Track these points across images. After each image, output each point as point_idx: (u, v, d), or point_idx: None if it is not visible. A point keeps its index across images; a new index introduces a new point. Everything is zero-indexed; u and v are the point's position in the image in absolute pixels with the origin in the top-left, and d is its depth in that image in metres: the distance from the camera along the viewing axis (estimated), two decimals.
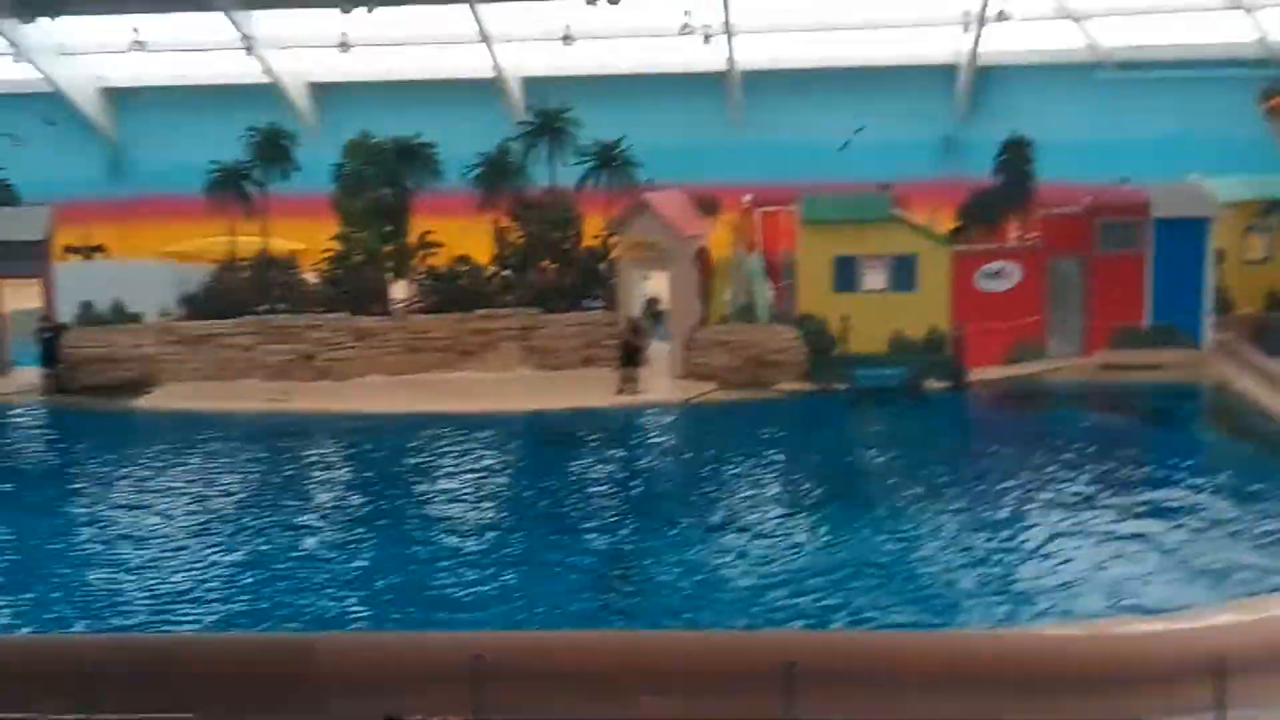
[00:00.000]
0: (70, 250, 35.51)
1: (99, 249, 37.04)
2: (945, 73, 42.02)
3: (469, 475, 22.54)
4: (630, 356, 27.13)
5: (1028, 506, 19.79)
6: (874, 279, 28.04)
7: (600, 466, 23.00)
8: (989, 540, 18.37)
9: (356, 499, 21.53)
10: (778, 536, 18.76)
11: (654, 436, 25.44)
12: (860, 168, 36.06)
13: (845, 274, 28.04)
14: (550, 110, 31.36)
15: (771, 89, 42.14)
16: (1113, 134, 38.00)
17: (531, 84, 41.97)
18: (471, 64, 43.61)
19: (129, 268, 32.85)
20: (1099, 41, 41.23)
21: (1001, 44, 41.35)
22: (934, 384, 26.99)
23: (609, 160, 30.62)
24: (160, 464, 23.34)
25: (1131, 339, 28.15)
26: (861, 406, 26.47)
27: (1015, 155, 30.85)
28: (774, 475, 22.09)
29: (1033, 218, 30.63)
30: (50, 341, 28.10)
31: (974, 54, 41.15)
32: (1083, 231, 28.38)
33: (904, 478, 21.51)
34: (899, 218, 28.33)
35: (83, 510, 20.97)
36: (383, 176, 30.02)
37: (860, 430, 25.23)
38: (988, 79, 41.76)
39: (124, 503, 21.11)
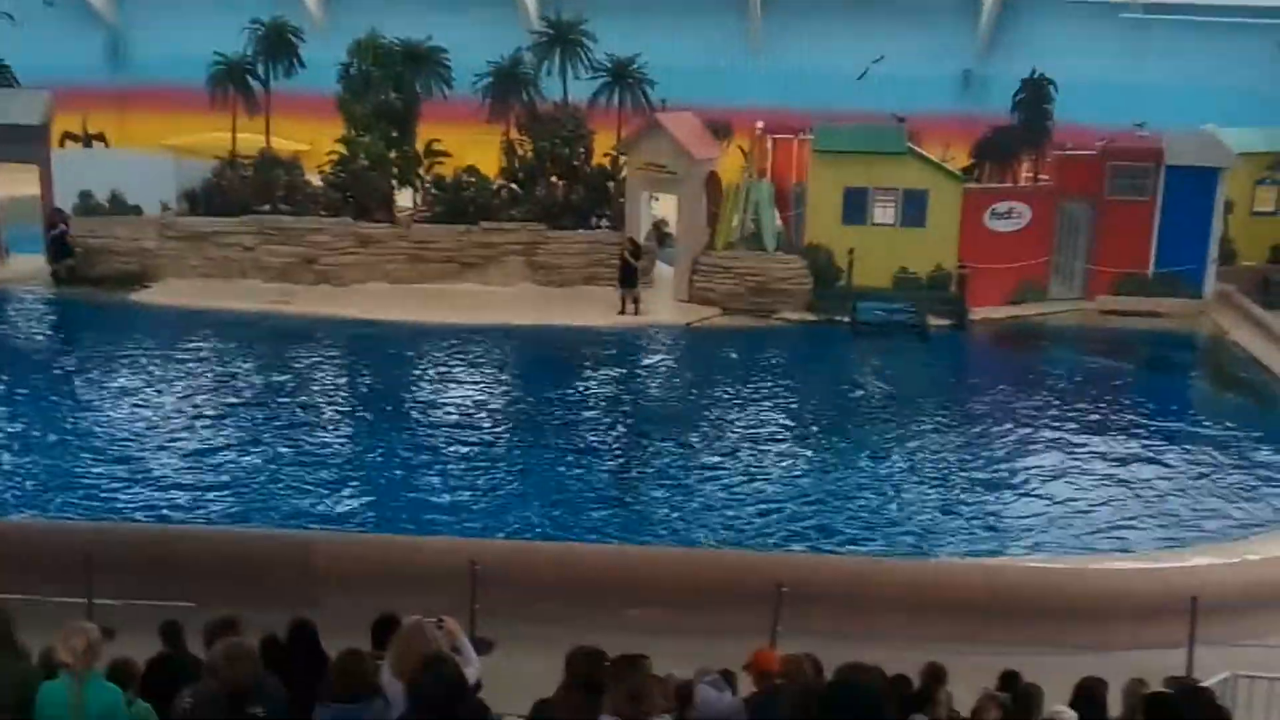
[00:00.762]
0: (69, 137, 35.02)
1: (98, 137, 36.50)
2: (968, 5, 41.39)
3: (466, 385, 22.60)
4: (628, 277, 27.00)
5: (1015, 445, 20.02)
6: (884, 213, 27.85)
7: (594, 385, 23.04)
8: (975, 475, 18.61)
9: (352, 403, 21.58)
10: (764, 462, 18.92)
11: (650, 358, 25.41)
12: (876, 99, 35.66)
13: (855, 206, 27.84)
14: (565, 22, 30.86)
15: (792, 13, 41.51)
16: (1133, 77, 37.54)
17: None
18: None
19: (129, 158, 32.30)
20: None
21: None
22: (936, 321, 26.92)
23: (623, 77, 30.20)
24: (158, 359, 23.34)
25: (1135, 285, 28.10)
26: (862, 339, 26.47)
27: (1034, 94, 30.52)
28: (768, 403, 22.12)
29: (1046, 159, 30.48)
30: (62, 236, 27.79)
31: None
32: (1094, 175, 28.21)
33: (896, 412, 21.67)
34: (913, 152, 28.08)
35: (73, 399, 21.05)
36: (390, 80, 29.57)
37: (858, 363, 25.27)
38: (1011, 13, 41.13)
39: (120, 393, 21.18)
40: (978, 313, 27.35)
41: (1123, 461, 19.21)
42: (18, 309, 27.02)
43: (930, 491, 17.92)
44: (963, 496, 17.77)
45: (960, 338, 26.93)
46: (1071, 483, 18.33)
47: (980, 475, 18.62)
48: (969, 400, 22.93)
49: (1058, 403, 22.36)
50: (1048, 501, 17.61)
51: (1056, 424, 21.05)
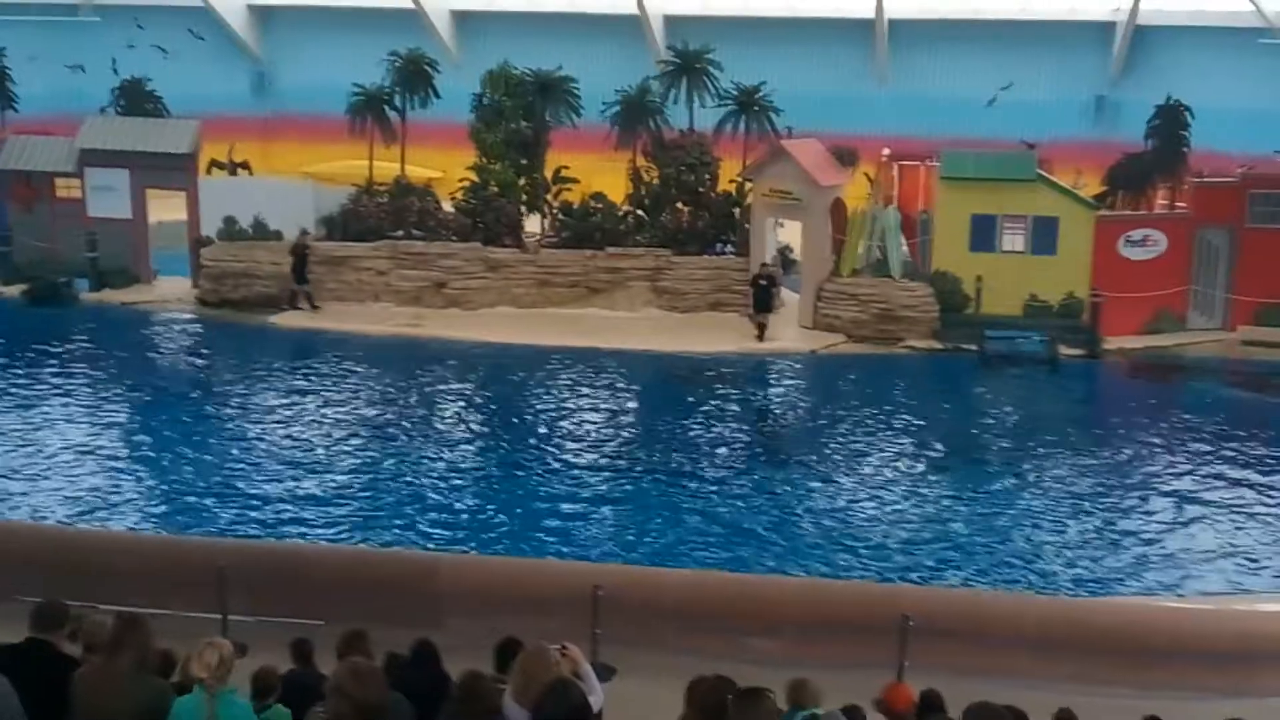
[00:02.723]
0: (215, 165, 36.35)
1: (243, 165, 37.82)
2: (1101, 29, 40.56)
3: (590, 409, 22.79)
4: (763, 301, 26.98)
5: (1155, 480, 19.46)
6: (1013, 240, 27.41)
7: (721, 410, 23.03)
8: (1111, 510, 18.13)
9: (478, 425, 21.92)
10: (891, 493, 18.72)
11: (776, 384, 25.33)
12: (1006, 125, 35.15)
13: (983, 233, 27.46)
14: (691, 51, 31.09)
15: (918, 39, 41.18)
16: (1272, 104, 36.37)
17: (673, 23, 41.59)
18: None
19: (270, 185, 33.45)
20: (1265, 6, 39.42)
21: (1162, 3, 39.79)
22: (1068, 350, 26.36)
23: (749, 105, 30.27)
24: (294, 379, 24.03)
25: (1277, 316, 27.15)
26: (990, 369, 26.05)
27: (1169, 120, 29.84)
28: (895, 431, 21.87)
29: (1183, 186, 29.72)
30: (303, 259, 28.50)
31: (1134, 12, 39.60)
32: (1234, 202, 27.44)
33: (1028, 443, 21.22)
34: (1043, 178, 27.59)
35: (213, 417, 21.75)
36: (521, 109, 30.13)
37: (987, 392, 24.88)
38: (1144, 39, 40.17)
39: (262, 413, 21.83)
40: (1111, 342, 26.71)
41: (1272, 499, 18.54)
42: (165, 329, 28.08)
43: (1064, 526, 17.51)
44: (1098, 532, 17.33)
45: (1093, 368, 26.31)
46: (1216, 520, 17.73)
47: (1117, 511, 18.13)
48: (1104, 432, 22.31)
49: (1201, 436, 21.66)
50: (1190, 538, 17.09)
51: (1199, 459, 20.41)
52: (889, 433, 21.82)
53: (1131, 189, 30.25)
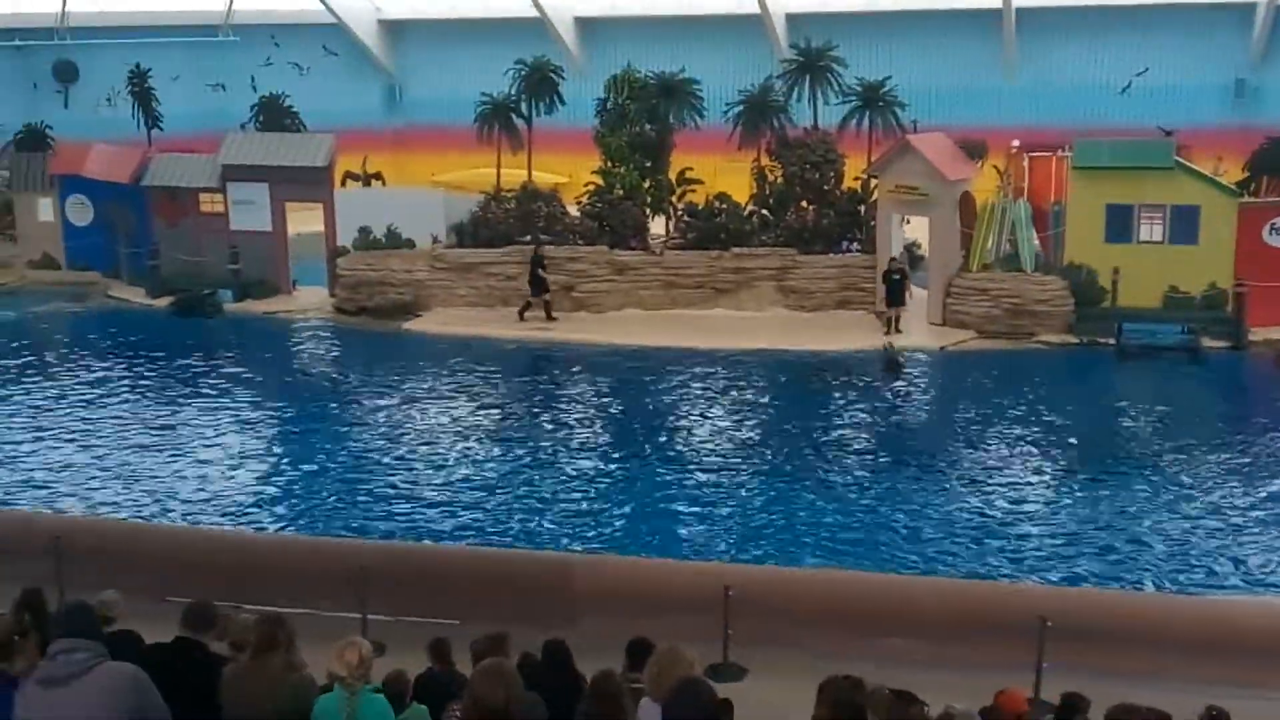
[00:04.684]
0: (350, 177, 37.23)
1: (377, 176, 38.66)
2: (1241, 11, 39.10)
3: (719, 410, 22.80)
4: (896, 295, 26.70)
5: None
6: (1150, 230, 26.64)
7: (848, 410, 22.85)
8: (1263, 509, 17.49)
9: (607, 427, 22.09)
10: (1028, 492, 18.38)
11: (904, 383, 25.01)
12: (1141, 113, 34.21)
13: (1119, 223, 26.74)
14: (814, 48, 30.90)
15: (1048, 27, 40.19)
16: None
17: (795, 20, 41.29)
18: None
19: (403, 195, 34.13)
20: None
21: None
22: (1211, 343, 25.54)
23: (873, 101, 29.94)
24: (429, 384, 24.53)
25: None
26: (1129, 362, 25.38)
27: None
28: (1032, 429, 21.41)
29: None
30: (540, 268, 28.57)
31: None
32: None
33: (1170, 443, 20.57)
34: (1181, 166, 26.77)
35: (353, 421, 22.33)
36: (645, 112, 30.29)
37: (1128, 387, 24.24)
38: None
39: (394, 415, 22.33)
40: (1257, 333, 25.80)
41: None
42: (303, 338, 28.88)
43: (1208, 526, 16.96)
44: (1242, 532, 16.75)
45: (1238, 359, 25.45)
46: None
47: (1264, 510, 17.48)
48: (1254, 428, 21.50)
49: None
50: None
51: None
52: (1022, 429, 21.35)
53: (1276, 175, 29.16)
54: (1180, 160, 26.91)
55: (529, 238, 29.79)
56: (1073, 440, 20.77)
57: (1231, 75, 38.94)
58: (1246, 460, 19.62)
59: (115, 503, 18.16)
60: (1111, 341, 25.80)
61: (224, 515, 17.66)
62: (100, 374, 25.32)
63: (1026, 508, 17.74)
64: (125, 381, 24.78)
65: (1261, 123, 32.41)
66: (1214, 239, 26.27)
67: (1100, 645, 11.79)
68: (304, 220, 32.34)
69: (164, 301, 30.97)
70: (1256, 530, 16.83)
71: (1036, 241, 27.83)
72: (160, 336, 28.21)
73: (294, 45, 44.53)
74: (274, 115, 35.73)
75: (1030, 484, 18.80)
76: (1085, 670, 10.43)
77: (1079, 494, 18.32)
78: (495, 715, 5.38)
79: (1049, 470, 19.49)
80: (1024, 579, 15.20)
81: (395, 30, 47.96)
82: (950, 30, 40.84)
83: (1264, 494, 18.09)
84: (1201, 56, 38.60)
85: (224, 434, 21.44)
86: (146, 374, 25.28)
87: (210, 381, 24.73)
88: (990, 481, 18.79)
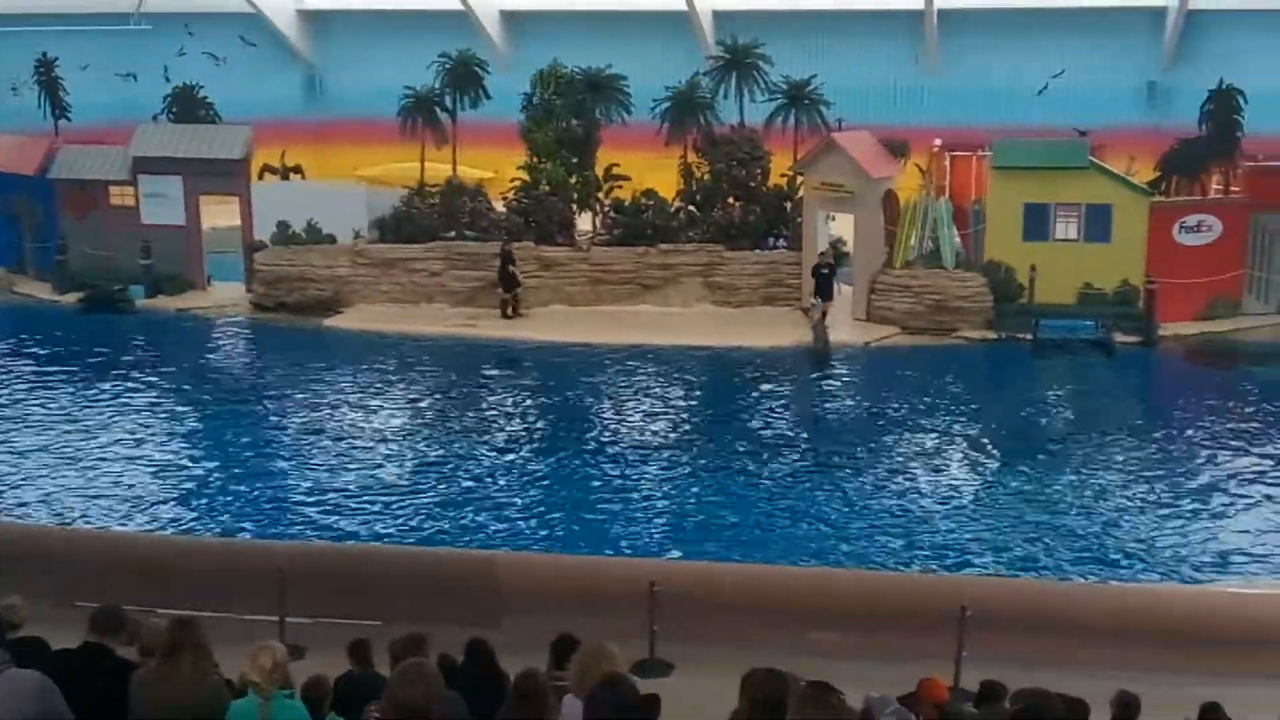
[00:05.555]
0: (268, 170, 36.68)
1: (296, 170, 38.16)
2: (1152, 16, 39.88)
3: (644, 406, 22.80)
4: (825, 289, 26.84)
5: (1218, 468, 19.21)
6: (1066, 228, 27.12)
7: (778, 405, 22.98)
8: (1173, 498, 17.91)
9: (533, 424, 21.99)
10: (947, 484, 18.62)
11: (830, 378, 25.20)
12: (1057, 113, 34.77)
13: (1036, 222, 27.17)
14: (740, 46, 31.02)
15: (969, 29, 40.66)
16: None
17: (722, 18, 41.39)
18: None
19: (323, 189, 33.68)
20: None
21: None
22: (1124, 338, 26.07)
23: (799, 99, 30.15)
24: (349, 381, 24.23)
25: None
26: (1045, 357, 25.83)
27: (1222, 105, 29.38)
28: (951, 422, 21.71)
29: (1237, 171, 29.30)
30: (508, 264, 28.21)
31: None
32: None
33: (1083, 434, 21.00)
34: (1096, 166, 27.27)
35: (270, 422, 22.00)
36: (571, 108, 30.17)
37: (1044, 381, 24.67)
38: (1196, 24, 39.40)
39: (315, 414, 22.03)
40: (1167, 329, 26.39)
41: None
42: (219, 335, 28.37)
43: (1124, 515, 17.34)
44: (1157, 520, 17.13)
45: (1149, 355, 26.03)
46: (1277, 505, 17.52)
47: (1178, 499, 17.91)
48: (1165, 420, 22.12)
49: (1264, 423, 21.36)
50: (1252, 524, 16.90)
51: (1263, 444, 20.12)
52: (943, 422, 21.68)
53: (1185, 175, 29.89)
54: (1094, 160, 27.44)
55: (454, 233, 29.55)
56: (992, 432, 21.09)
57: (1144, 78, 39.73)
58: (1155, 450, 20.11)
59: (19, 505, 17.68)
60: (1029, 337, 26.22)
61: (133, 517, 17.25)
62: (2, 372, 24.64)
63: (947, 498, 17.98)
64: (30, 380, 24.13)
65: (1172, 124, 33.10)
66: (1126, 237, 26.81)
67: (1018, 634, 11.97)
68: (219, 214, 31.72)
69: (72, 297, 30.10)
70: (1167, 516, 17.24)
71: (958, 239, 28.20)
72: (68, 334, 27.58)
73: (209, 35, 43.49)
74: (188, 106, 34.91)
75: (951, 475, 19.07)
76: (1004, 659, 10.55)
77: (997, 484, 18.63)
78: (415, 715, 5.30)
79: (969, 462, 19.79)
80: (944, 570, 15.38)
81: (316, 21, 47.21)
82: (875, 30, 41.19)
83: (1174, 482, 18.52)
84: (1115, 59, 39.35)
85: (134, 434, 20.94)
86: (52, 373, 24.64)
87: (120, 380, 24.12)
88: (912, 473, 19.05)
